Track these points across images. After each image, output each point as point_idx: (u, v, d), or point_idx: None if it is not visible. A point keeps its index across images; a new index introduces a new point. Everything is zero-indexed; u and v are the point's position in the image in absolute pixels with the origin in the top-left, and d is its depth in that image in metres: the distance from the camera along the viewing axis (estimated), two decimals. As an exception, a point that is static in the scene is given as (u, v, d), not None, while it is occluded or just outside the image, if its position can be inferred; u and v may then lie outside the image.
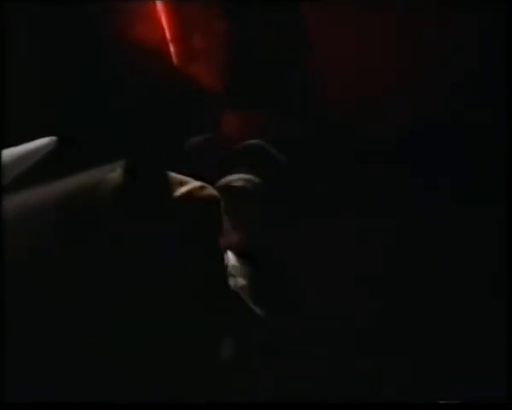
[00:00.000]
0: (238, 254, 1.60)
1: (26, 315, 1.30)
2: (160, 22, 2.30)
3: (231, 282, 1.53)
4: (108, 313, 1.30)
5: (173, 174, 1.45)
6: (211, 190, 1.47)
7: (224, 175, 1.67)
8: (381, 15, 2.20)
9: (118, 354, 1.31)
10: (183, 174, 1.49)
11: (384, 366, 1.85)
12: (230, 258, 1.60)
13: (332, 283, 2.05)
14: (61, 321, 1.30)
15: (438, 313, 2.07)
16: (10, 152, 1.53)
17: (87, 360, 1.29)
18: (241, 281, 1.54)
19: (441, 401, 1.48)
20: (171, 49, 2.32)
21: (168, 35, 2.31)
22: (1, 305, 1.27)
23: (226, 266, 1.55)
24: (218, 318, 1.43)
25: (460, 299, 2.06)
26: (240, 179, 1.60)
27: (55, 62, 2.14)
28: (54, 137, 1.67)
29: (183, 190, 1.42)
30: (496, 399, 1.46)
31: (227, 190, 1.60)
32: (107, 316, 1.30)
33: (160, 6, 2.28)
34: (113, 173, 1.38)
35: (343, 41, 2.28)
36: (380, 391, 1.52)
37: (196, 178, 1.50)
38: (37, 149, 1.61)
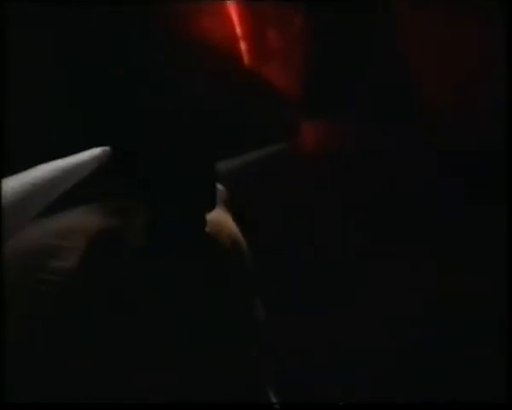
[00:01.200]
0: None
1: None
2: (230, 19, 2.10)
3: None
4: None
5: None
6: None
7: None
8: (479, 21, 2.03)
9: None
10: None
11: (384, 365, 1.84)
12: None
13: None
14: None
15: (438, 314, 2.06)
16: (57, 165, 1.45)
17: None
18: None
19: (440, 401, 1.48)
20: (243, 47, 2.13)
21: (239, 32, 2.12)
22: (1, 305, 1.27)
23: None
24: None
25: (459, 300, 2.05)
26: None
27: (113, 64, 2.04)
28: (106, 148, 1.58)
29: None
30: (496, 399, 1.45)
31: None
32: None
33: (230, 2, 2.09)
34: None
35: (441, 45, 2.10)
36: (380, 391, 1.51)
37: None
38: (88, 162, 1.53)
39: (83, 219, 1.61)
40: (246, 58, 2.13)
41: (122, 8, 2.02)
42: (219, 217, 1.35)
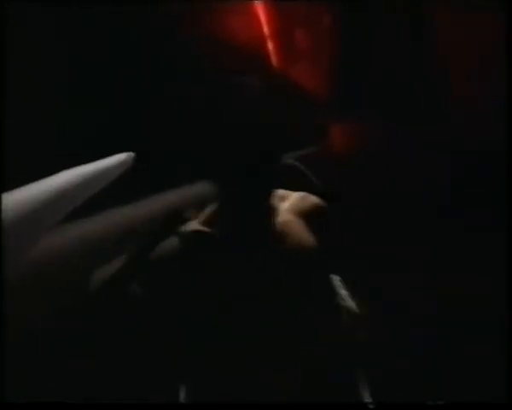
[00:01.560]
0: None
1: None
2: (257, 18, 2.03)
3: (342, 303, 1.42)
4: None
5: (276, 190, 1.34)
6: (314, 199, 1.37)
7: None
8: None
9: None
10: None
11: (385, 365, 1.84)
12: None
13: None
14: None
15: (439, 314, 2.06)
16: (81, 171, 1.42)
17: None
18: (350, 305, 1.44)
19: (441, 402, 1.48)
20: (270, 47, 2.08)
21: (267, 32, 2.06)
22: (1, 306, 1.27)
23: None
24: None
25: (460, 299, 2.05)
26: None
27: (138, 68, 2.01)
28: (131, 153, 1.56)
29: (285, 205, 1.33)
30: (496, 399, 1.45)
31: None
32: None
33: (258, 1, 2.02)
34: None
35: (470, 43, 2.05)
36: (380, 391, 1.51)
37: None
38: (114, 167, 1.50)
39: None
40: (273, 58, 2.07)
41: (151, 8, 1.99)
42: (289, 219, 1.31)
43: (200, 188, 1.42)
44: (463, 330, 2.01)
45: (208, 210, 1.29)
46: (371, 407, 1.33)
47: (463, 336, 2.00)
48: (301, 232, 1.30)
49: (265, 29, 2.04)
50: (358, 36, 2.14)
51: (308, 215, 1.32)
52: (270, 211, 1.28)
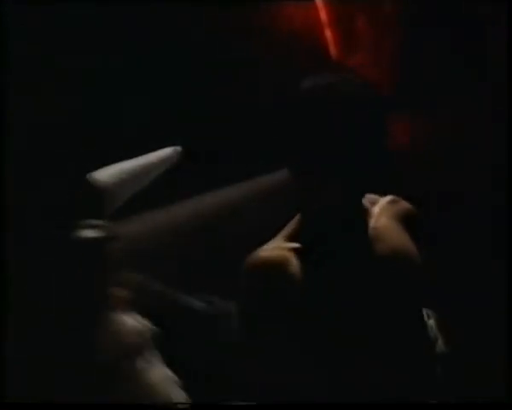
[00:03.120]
0: None
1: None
2: (314, 5, 1.91)
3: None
4: None
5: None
6: (404, 204, 1.32)
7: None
8: None
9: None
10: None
11: (385, 365, 1.84)
12: None
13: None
14: None
15: (439, 314, 2.06)
16: (124, 167, 1.43)
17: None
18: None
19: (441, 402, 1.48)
20: (328, 35, 1.96)
21: (324, 19, 1.94)
22: (1, 304, 1.27)
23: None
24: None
25: (460, 298, 2.05)
26: None
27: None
28: (178, 148, 1.56)
29: (376, 209, 1.28)
30: (496, 399, 1.46)
31: None
32: None
33: None
34: None
35: None
36: (380, 391, 1.52)
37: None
38: (160, 162, 1.51)
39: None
40: (331, 48, 1.97)
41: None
42: (383, 223, 1.27)
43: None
44: (463, 331, 2.01)
45: (291, 224, 1.23)
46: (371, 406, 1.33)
47: (463, 337, 2.00)
48: (400, 235, 1.25)
49: (323, 17, 1.92)
50: (421, 27, 2.02)
51: (401, 219, 1.28)
52: (364, 215, 1.23)
